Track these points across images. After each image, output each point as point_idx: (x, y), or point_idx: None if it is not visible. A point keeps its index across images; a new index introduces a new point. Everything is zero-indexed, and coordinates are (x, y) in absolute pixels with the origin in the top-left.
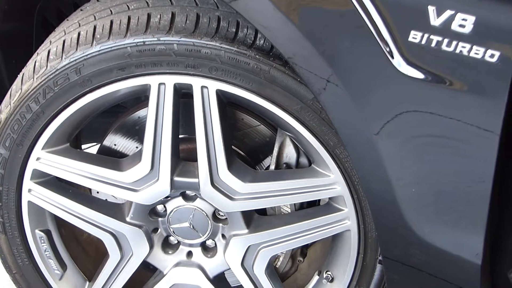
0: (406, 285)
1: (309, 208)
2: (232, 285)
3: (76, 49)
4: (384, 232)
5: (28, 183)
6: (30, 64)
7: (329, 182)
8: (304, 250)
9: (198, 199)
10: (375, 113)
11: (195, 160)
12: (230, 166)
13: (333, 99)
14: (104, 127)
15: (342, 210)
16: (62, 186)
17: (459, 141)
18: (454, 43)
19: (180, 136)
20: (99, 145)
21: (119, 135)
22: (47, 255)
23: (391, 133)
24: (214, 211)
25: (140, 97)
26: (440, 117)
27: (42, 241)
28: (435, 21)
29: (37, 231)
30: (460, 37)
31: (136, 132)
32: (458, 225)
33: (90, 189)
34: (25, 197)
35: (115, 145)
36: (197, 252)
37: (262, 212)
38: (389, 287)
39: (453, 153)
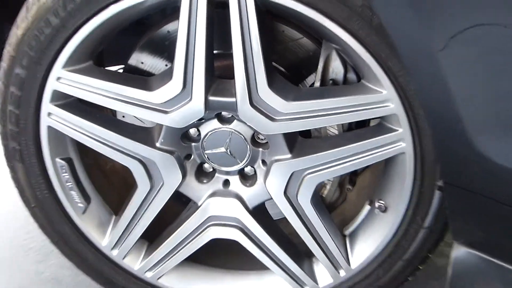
0: (469, 214)
1: (359, 129)
2: (274, 218)
3: None
4: (445, 154)
5: (47, 106)
6: None
7: (381, 99)
8: (353, 177)
9: (235, 121)
10: (442, 22)
11: (232, 77)
12: (271, 83)
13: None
14: (128, 48)
15: (396, 130)
16: (84, 109)
17: None
18: None
19: (214, 52)
20: (123, 66)
21: (147, 52)
22: (69, 186)
23: (460, 45)
24: (253, 134)
25: (165, 11)
26: None
27: (63, 170)
28: None
29: (57, 159)
30: None
31: (165, 48)
32: None
33: (115, 112)
34: (44, 122)
35: (142, 63)
36: (235, 180)
37: (307, 134)
38: (449, 217)
39: None
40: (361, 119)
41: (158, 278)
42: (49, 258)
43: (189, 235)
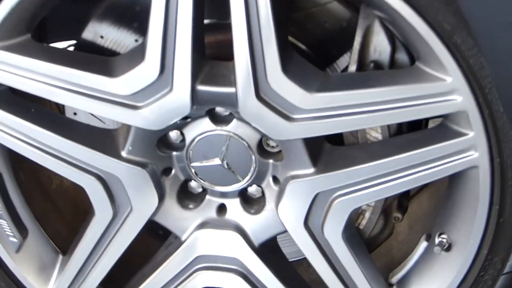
0: None
1: (411, 133)
2: (289, 258)
3: None
4: None
5: None
6: None
7: (444, 89)
8: (403, 202)
9: (234, 120)
10: None
11: (231, 58)
12: (286, 66)
13: None
14: (81, 17)
15: (465, 134)
16: (19, 102)
17: None
18: None
19: (205, 22)
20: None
21: (108, 21)
22: None
23: None
24: (261, 139)
25: None
26: None
27: None
28: None
29: None
30: None
31: (135, 16)
32: None
33: (63, 108)
34: None
35: (101, 37)
36: (234, 205)
37: (337, 140)
38: None
39: None
40: (415, 119)
41: None
42: None
43: (168, 283)
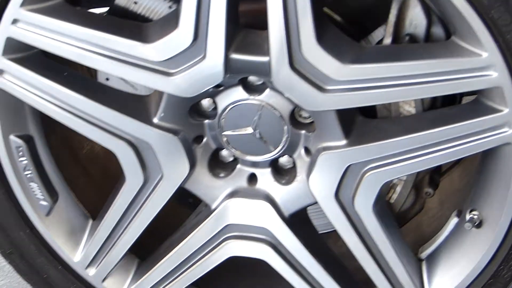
0: None
1: (445, 108)
2: (319, 230)
3: None
4: None
5: None
6: None
7: (480, 64)
8: (435, 177)
9: (267, 90)
10: None
11: (264, 27)
12: (321, 36)
13: None
14: None
15: (500, 111)
16: (51, 66)
17: None
18: None
19: None
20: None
21: None
22: (28, 175)
23: None
24: (293, 109)
25: None
26: None
27: (20, 153)
28: None
29: (11, 137)
30: None
31: None
32: None
33: (95, 72)
34: None
35: (135, 3)
36: (265, 175)
37: (370, 113)
38: None
39: None
40: (449, 93)
41: None
42: None
43: (197, 251)
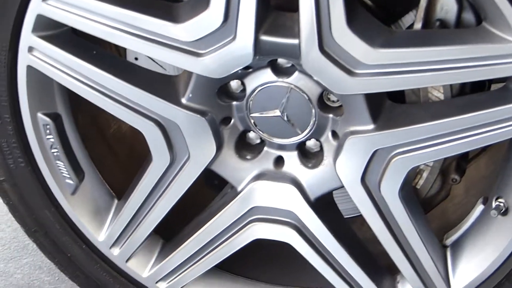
0: None
1: (474, 94)
2: (345, 215)
3: None
4: None
5: (28, 37)
6: None
7: (510, 51)
8: (461, 164)
9: (296, 72)
10: None
11: (295, 9)
12: (351, 20)
13: None
14: None
15: None
16: (81, 44)
17: None
18: None
19: None
20: None
21: None
22: (55, 153)
23: None
24: (322, 93)
25: None
26: None
27: (48, 131)
28: None
29: (39, 114)
30: None
31: None
32: None
33: (124, 51)
34: (23, 60)
35: None
36: (292, 158)
37: (399, 97)
38: None
39: None
40: (479, 79)
41: None
42: (21, 255)
43: (222, 232)
